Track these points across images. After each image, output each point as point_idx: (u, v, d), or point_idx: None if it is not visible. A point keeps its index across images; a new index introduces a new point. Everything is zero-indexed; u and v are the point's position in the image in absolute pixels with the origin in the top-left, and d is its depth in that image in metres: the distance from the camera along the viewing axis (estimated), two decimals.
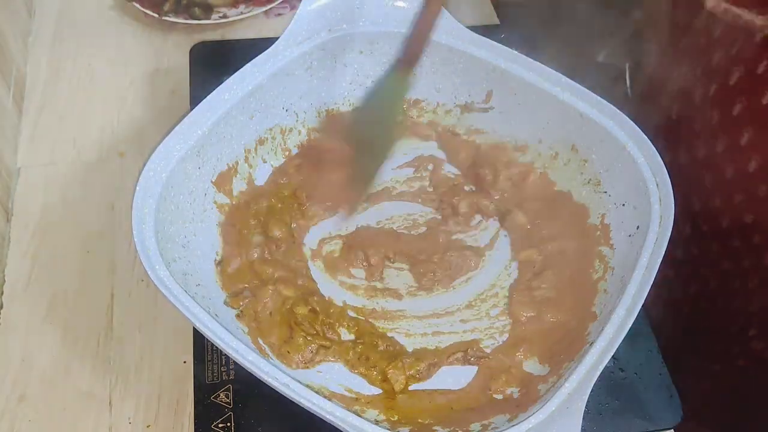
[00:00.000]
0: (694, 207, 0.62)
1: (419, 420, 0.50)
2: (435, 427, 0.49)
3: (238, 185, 0.59)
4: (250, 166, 0.60)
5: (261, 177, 0.61)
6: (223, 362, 0.53)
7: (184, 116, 0.53)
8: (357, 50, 0.63)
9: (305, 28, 0.60)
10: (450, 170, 0.65)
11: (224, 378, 0.52)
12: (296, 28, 0.59)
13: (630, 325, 0.46)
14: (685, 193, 0.53)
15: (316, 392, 0.43)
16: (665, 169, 0.53)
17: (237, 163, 0.59)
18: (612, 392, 0.52)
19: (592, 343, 0.46)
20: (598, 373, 0.44)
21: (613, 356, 0.45)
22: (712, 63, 0.57)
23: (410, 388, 0.52)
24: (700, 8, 0.55)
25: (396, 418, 0.50)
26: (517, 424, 0.43)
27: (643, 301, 0.47)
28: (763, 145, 0.54)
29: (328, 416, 0.42)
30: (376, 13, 0.61)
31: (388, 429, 0.42)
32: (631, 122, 0.55)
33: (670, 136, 0.62)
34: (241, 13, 0.78)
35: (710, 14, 0.54)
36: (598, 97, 0.57)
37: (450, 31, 0.61)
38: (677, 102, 0.63)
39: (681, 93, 0.62)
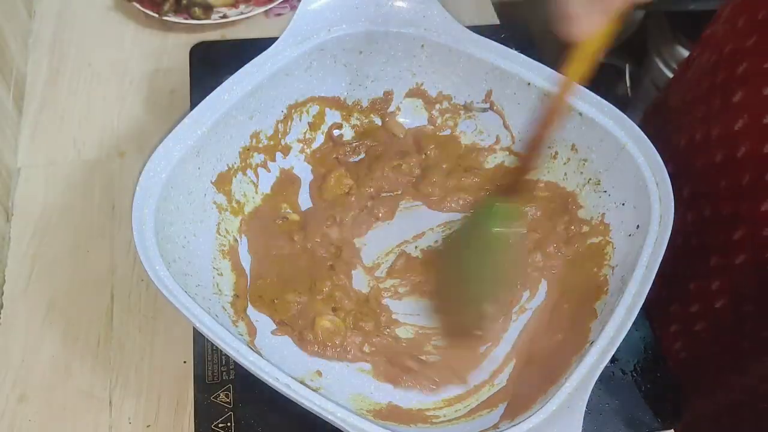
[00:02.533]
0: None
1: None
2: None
3: (241, 188, 0.59)
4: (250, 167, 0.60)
5: (263, 179, 0.61)
6: (223, 362, 0.53)
7: (184, 116, 0.53)
8: (357, 50, 0.63)
9: (305, 28, 0.60)
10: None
11: (224, 378, 0.52)
12: (296, 28, 0.59)
13: (630, 325, 0.46)
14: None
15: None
16: (665, 168, 0.53)
17: (236, 163, 0.59)
18: (612, 392, 0.52)
19: (592, 342, 0.46)
20: (599, 373, 0.44)
21: (613, 356, 0.45)
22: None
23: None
24: None
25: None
26: (517, 424, 0.43)
27: (643, 300, 0.47)
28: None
29: (328, 416, 0.42)
30: (376, 13, 0.61)
31: (388, 428, 0.42)
32: (631, 122, 0.55)
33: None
34: (241, 13, 0.78)
35: None
36: (598, 97, 0.57)
37: (450, 31, 0.61)
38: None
39: None
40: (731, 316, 0.62)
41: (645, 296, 0.47)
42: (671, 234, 0.49)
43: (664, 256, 0.49)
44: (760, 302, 0.58)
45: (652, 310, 0.55)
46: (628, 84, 1.21)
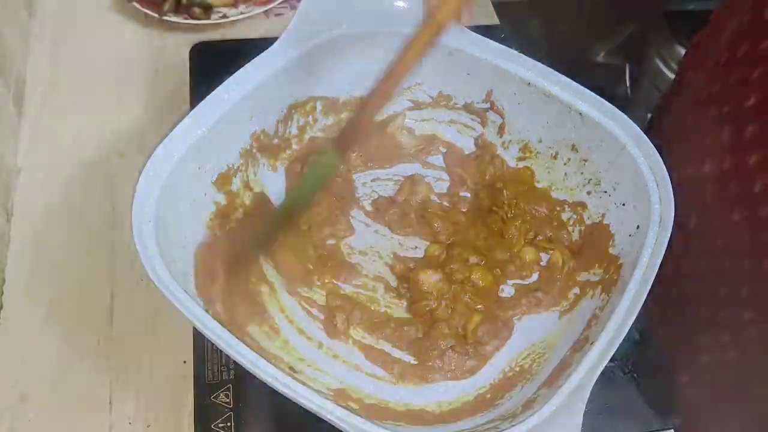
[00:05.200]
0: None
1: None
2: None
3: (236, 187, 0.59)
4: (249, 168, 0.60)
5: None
6: (223, 362, 0.53)
7: (184, 116, 0.53)
8: (357, 50, 0.63)
9: (305, 28, 0.60)
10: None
11: (224, 378, 0.52)
12: (296, 28, 0.59)
13: (630, 325, 0.46)
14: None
15: None
16: (665, 168, 0.53)
17: (237, 163, 0.59)
18: (612, 392, 0.52)
19: (592, 342, 0.46)
20: (599, 373, 0.44)
21: (612, 355, 0.45)
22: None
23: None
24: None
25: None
26: (517, 424, 0.43)
27: (643, 300, 0.47)
28: None
29: (328, 416, 0.42)
30: (375, 13, 0.61)
31: (388, 428, 0.42)
32: (631, 122, 0.55)
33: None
34: (241, 13, 0.78)
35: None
36: (598, 97, 0.57)
37: (450, 31, 0.61)
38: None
39: None
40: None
41: (645, 296, 0.47)
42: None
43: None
44: None
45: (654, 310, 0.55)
46: (628, 84, 1.21)
